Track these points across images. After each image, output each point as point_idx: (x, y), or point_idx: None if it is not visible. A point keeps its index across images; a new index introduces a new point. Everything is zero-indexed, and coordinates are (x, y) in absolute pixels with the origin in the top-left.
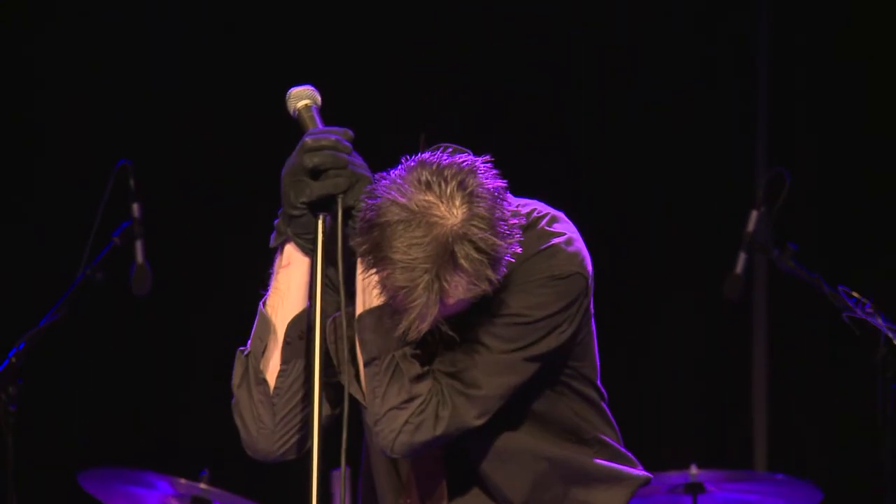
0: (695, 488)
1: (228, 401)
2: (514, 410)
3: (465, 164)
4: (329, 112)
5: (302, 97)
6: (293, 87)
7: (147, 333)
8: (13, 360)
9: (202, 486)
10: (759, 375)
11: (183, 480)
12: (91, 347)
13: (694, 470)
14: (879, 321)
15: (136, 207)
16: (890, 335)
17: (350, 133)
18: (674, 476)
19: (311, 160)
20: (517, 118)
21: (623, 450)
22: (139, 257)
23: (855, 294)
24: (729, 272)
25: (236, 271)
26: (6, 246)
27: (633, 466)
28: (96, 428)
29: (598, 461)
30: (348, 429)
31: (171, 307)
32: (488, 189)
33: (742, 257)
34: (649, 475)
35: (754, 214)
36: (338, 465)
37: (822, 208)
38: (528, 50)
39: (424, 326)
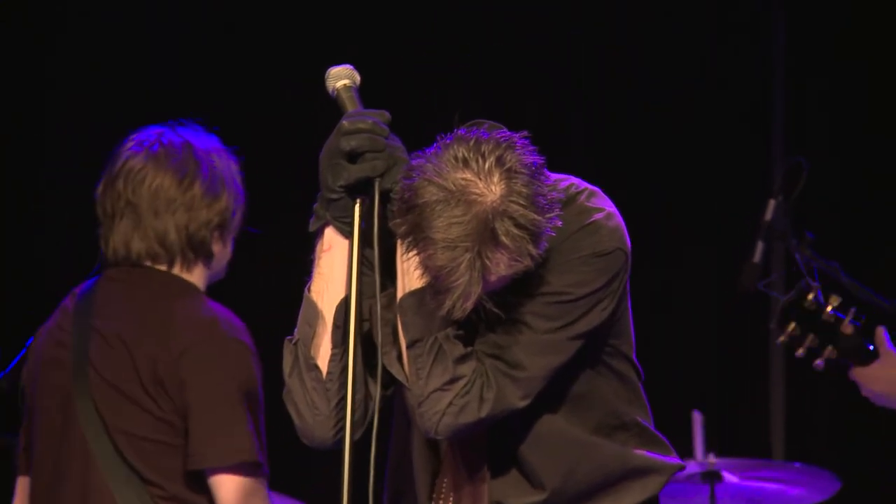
0: (712, 476)
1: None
2: (553, 392)
3: (502, 139)
4: (326, 112)
5: (341, 77)
6: (332, 66)
7: None
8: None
9: None
10: (776, 363)
11: None
12: None
13: (712, 458)
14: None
15: None
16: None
17: (387, 115)
18: (691, 464)
19: (349, 143)
20: (521, 113)
21: (658, 433)
22: None
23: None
24: (746, 261)
25: (242, 265)
26: (17, 242)
27: (668, 453)
28: None
29: (636, 451)
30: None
31: None
32: (526, 164)
33: (760, 246)
34: (682, 463)
35: (772, 203)
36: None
37: (839, 196)
38: (529, 49)
39: (469, 305)
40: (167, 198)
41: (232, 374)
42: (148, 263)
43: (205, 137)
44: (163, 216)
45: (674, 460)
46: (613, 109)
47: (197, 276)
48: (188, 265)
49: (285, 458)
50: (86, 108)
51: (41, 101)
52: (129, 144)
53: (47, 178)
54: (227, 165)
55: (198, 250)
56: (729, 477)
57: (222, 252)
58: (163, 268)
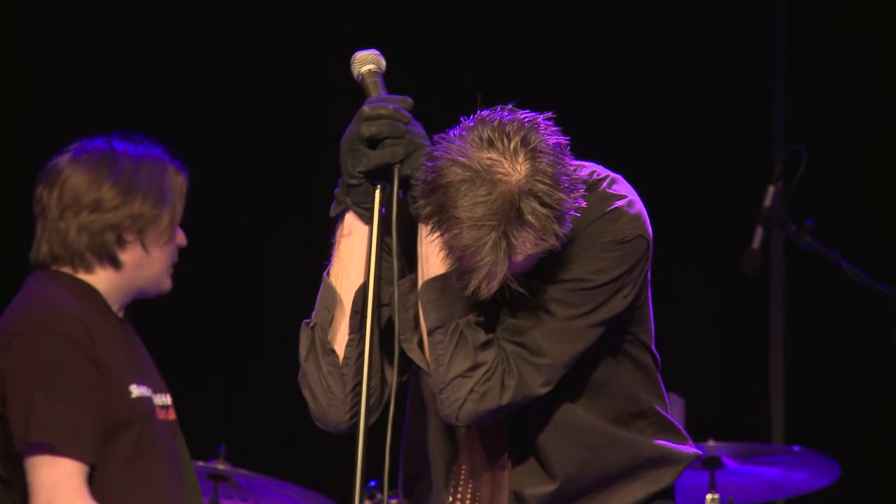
0: (712, 463)
1: (242, 376)
2: (573, 380)
3: (526, 120)
4: (318, 113)
5: (366, 62)
6: (358, 50)
7: (161, 310)
8: None
9: (220, 466)
10: (776, 350)
11: (200, 463)
12: None
13: (711, 443)
14: None
15: None
16: None
17: (409, 101)
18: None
19: (368, 129)
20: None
21: (674, 421)
22: None
23: None
24: (746, 247)
25: (250, 248)
26: (23, 221)
27: (684, 442)
28: None
29: (655, 441)
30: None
31: (186, 283)
32: (550, 145)
33: (759, 232)
34: (699, 451)
35: (771, 189)
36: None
37: (840, 183)
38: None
39: (494, 285)
40: (73, 198)
41: (40, 361)
42: (54, 266)
43: (139, 148)
44: (67, 217)
45: (690, 449)
46: (612, 98)
47: (100, 281)
48: (89, 268)
49: (297, 443)
50: (102, 86)
51: (55, 79)
52: (62, 151)
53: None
54: (156, 174)
55: (100, 253)
56: (729, 462)
57: (145, 259)
58: (67, 269)
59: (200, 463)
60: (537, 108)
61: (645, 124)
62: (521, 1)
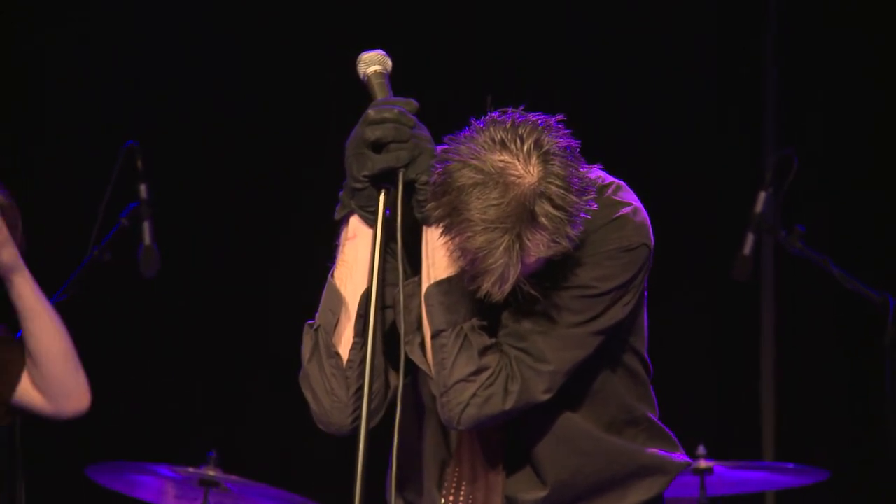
0: (702, 470)
1: (234, 382)
2: (570, 388)
3: (538, 122)
4: (320, 114)
5: (372, 63)
6: (365, 51)
7: (155, 314)
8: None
9: (210, 473)
10: (766, 354)
11: (191, 469)
12: (99, 328)
13: (701, 451)
14: None
15: (143, 188)
16: None
17: (415, 104)
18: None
19: (373, 133)
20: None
21: (665, 428)
22: (147, 238)
23: None
24: (737, 253)
25: (244, 252)
26: (24, 219)
27: (675, 449)
28: (103, 406)
29: (648, 450)
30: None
31: (180, 288)
32: (562, 147)
33: (750, 238)
34: (689, 460)
35: (762, 195)
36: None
37: (830, 189)
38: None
39: (507, 287)
40: None
41: None
42: None
43: None
44: None
45: (681, 457)
46: (603, 102)
47: None
48: None
49: (288, 449)
50: (94, 87)
51: (49, 80)
52: None
53: (54, 159)
54: None
55: None
56: (719, 468)
57: None
58: None
59: (191, 469)
60: (534, 108)
61: (638, 128)
62: (521, 1)
